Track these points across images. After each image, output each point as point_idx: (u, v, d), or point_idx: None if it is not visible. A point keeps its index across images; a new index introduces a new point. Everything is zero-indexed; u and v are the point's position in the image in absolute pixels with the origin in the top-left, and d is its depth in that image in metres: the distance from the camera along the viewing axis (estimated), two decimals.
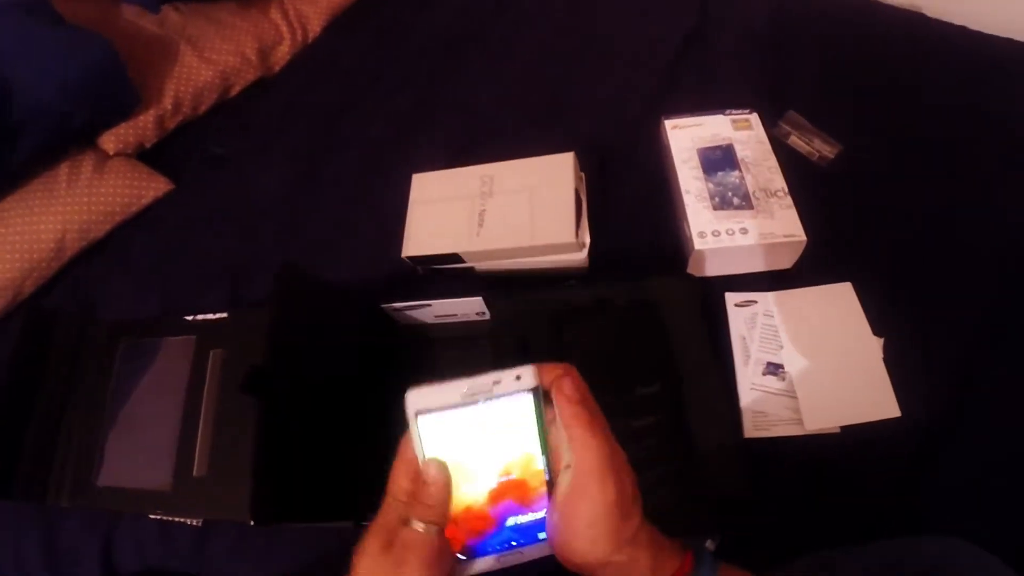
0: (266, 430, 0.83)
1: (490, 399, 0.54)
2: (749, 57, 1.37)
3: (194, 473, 0.93)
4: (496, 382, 0.54)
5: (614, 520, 0.51)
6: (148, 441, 0.98)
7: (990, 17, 1.40)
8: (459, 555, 0.57)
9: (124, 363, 1.04)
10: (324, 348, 0.92)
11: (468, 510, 0.57)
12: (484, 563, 0.58)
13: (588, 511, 0.52)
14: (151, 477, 0.94)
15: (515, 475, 0.57)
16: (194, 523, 0.94)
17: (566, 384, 0.55)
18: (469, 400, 0.54)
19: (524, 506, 0.58)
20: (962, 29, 1.38)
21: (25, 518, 0.99)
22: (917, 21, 1.41)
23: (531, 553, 0.58)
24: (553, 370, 0.56)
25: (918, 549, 0.76)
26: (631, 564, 0.53)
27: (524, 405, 0.54)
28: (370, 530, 0.56)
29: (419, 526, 0.54)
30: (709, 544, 0.56)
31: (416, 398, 0.54)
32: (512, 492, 0.57)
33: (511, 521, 0.58)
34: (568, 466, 0.55)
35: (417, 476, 0.55)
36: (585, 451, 0.53)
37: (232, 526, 0.94)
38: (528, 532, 0.58)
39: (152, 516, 0.95)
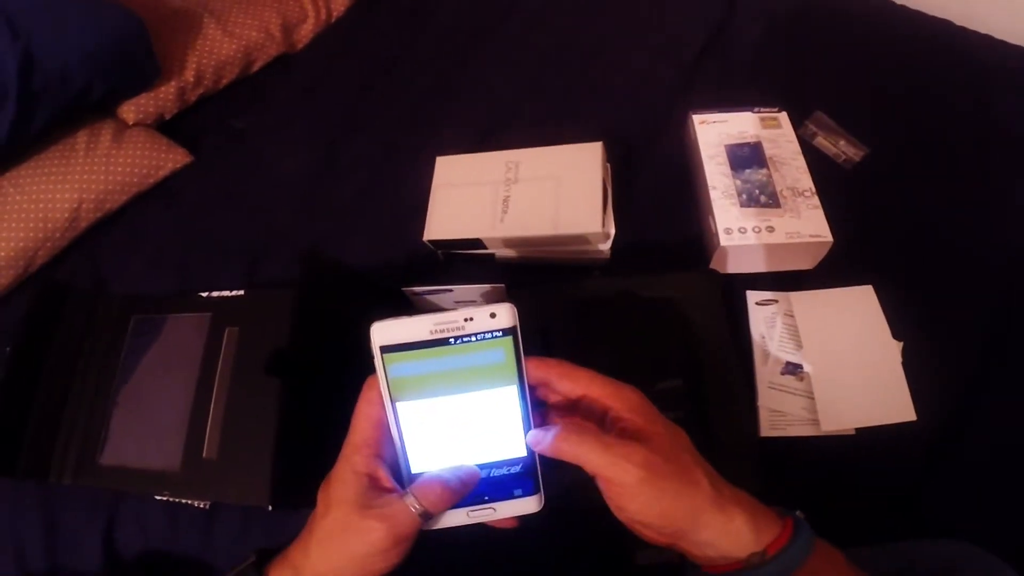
0: (287, 413, 0.82)
1: (463, 338, 0.52)
2: (775, 55, 1.36)
3: (204, 454, 0.91)
4: (468, 319, 0.52)
5: (660, 483, 0.50)
6: (157, 420, 0.96)
7: (1016, 27, 1.39)
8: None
9: (135, 339, 1.03)
10: (344, 331, 0.91)
11: (435, 456, 0.55)
12: (452, 517, 0.56)
13: (627, 490, 0.51)
14: (159, 457, 0.93)
15: (491, 423, 0.55)
16: (201, 506, 0.93)
17: (539, 365, 0.55)
18: (439, 336, 0.52)
19: (500, 458, 0.56)
20: (987, 38, 1.38)
21: (26, 498, 0.97)
22: (944, 27, 1.41)
23: (504, 510, 0.56)
24: (539, 366, 0.55)
25: (931, 552, 0.76)
26: (728, 523, 0.51)
27: (501, 347, 0.53)
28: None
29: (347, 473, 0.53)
30: (799, 514, 0.55)
31: (381, 332, 0.52)
32: (486, 440, 0.56)
33: (484, 473, 0.56)
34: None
35: (381, 420, 0.54)
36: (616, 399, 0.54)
37: (239, 509, 0.93)
38: (502, 487, 0.56)
39: (158, 497, 0.93)
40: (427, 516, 0.52)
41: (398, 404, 0.54)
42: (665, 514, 0.51)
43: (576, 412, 0.58)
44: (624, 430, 0.53)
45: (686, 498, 0.51)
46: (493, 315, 0.52)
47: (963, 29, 1.40)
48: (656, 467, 0.50)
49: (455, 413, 0.54)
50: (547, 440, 0.53)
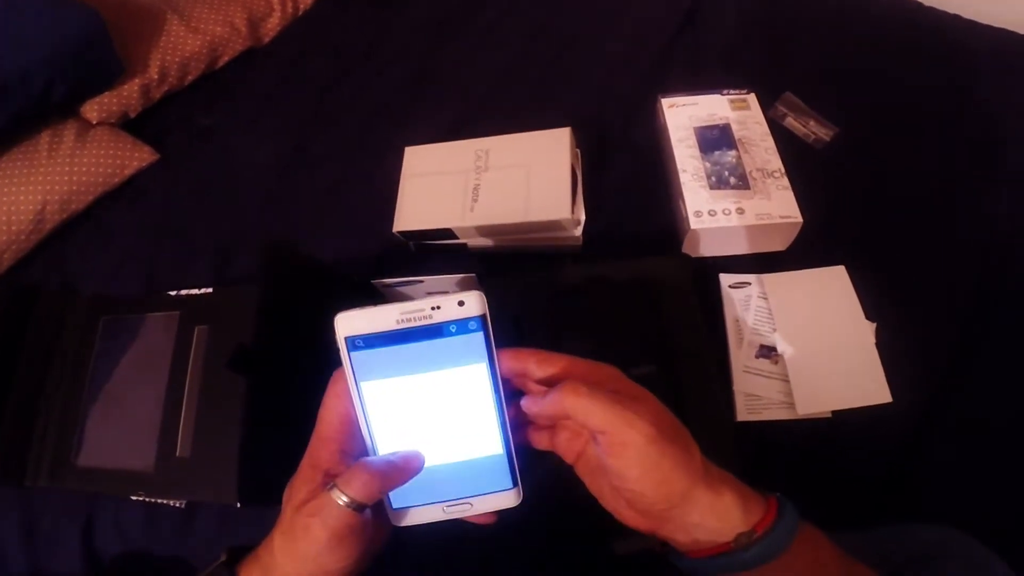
0: (252, 410, 0.81)
1: (430, 326, 0.50)
2: (746, 38, 1.36)
3: (177, 453, 0.90)
4: (436, 307, 0.50)
5: (665, 446, 0.48)
6: (130, 420, 0.95)
7: (982, 6, 1.40)
8: (392, 504, 0.55)
9: (105, 340, 1.02)
10: (312, 325, 0.91)
11: (409, 452, 0.54)
12: (426, 513, 0.55)
13: (634, 450, 0.48)
14: (133, 457, 0.92)
15: (463, 416, 0.53)
16: (177, 505, 0.92)
17: (515, 356, 0.53)
18: (406, 326, 0.50)
19: (475, 450, 0.54)
20: (956, 18, 1.39)
21: (3, 502, 0.96)
22: (912, 8, 1.42)
23: (481, 506, 0.55)
24: (514, 356, 0.54)
25: (910, 537, 0.75)
26: (717, 501, 0.50)
27: (470, 335, 0.51)
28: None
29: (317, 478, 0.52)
30: (780, 495, 0.54)
31: (346, 322, 0.50)
32: (459, 435, 0.54)
33: (458, 468, 0.54)
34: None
35: (348, 414, 0.53)
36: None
37: (216, 508, 0.92)
38: (479, 481, 0.55)
39: (134, 498, 0.92)
40: (360, 506, 0.50)
41: (365, 397, 0.52)
42: (664, 481, 0.49)
43: None
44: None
45: (684, 466, 0.49)
46: (461, 303, 0.50)
47: (933, 9, 1.41)
48: (665, 426, 0.49)
49: (425, 406, 0.53)
50: (550, 397, 0.50)
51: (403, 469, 0.52)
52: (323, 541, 0.50)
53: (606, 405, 0.48)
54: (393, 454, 0.53)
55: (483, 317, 0.51)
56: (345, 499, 0.50)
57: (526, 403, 0.53)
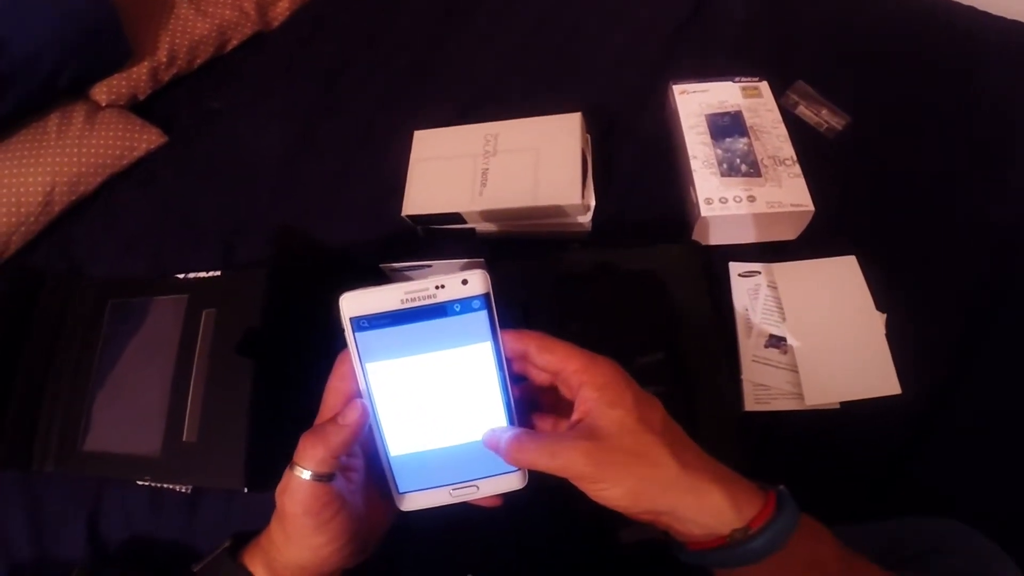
0: (260, 394, 0.81)
1: (434, 306, 0.51)
2: (757, 25, 1.35)
3: (184, 438, 0.90)
4: (440, 286, 0.50)
5: (618, 469, 0.49)
6: (137, 404, 0.95)
7: None
8: (399, 488, 0.55)
9: (113, 324, 1.01)
10: (319, 309, 0.90)
11: (413, 435, 0.54)
12: (432, 496, 0.55)
13: (587, 482, 0.50)
14: (140, 442, 0.91)
15: (468, 397, 0.54)
16: (183, 490, 0.92)
17: (517, 338, 0.54)
18: (410, 306, 0.50)
19: (480, 432, 0.54)
20: (970, 9, 1.38)
21: (8, 488, 0.96)
22: None
23: (487, 488, 0.55)
24: (517, 338, 0.54)
25: (916, 531, 0.75)
26: (704, 499, 0.50)
27: (475, 314, 0.51)
28: None
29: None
30: (782, 488, 0.53)
31: (351, 302, 0.50)
32: (464, 416, 0.54)
33: (464, 450, 0.55)
34: (578, 419, 0.52)
35: (352, 396, 0.53)
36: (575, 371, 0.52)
37: (222, 493, 0.92)
38: (484, 464, 0.55)
39: (140, 482, 0.92)
40: (322, 476, 0.51)
41: (371, 378, 0.52)
42: (628, 496, 0.49)
43: (554, 389, 0.57)
44: (589, 411, 0.52)
45: (650, 480, 0.49)
46: (465, 282, 0.51)
47: (945, 0, 1.39)
48: (603, 460, 0.49)
49: (430, 385, 0.53)
50: (501, 451, 0.53)
51: (345, 425, 0.52)
52: (299, 518, 0.51)
53: (542, 458, 0.51)
54: (340, 415, 0.53)
55: (487, 296, 0.51)
56: (306, 473, 0.50)
57: (488, 442, 0.54)
